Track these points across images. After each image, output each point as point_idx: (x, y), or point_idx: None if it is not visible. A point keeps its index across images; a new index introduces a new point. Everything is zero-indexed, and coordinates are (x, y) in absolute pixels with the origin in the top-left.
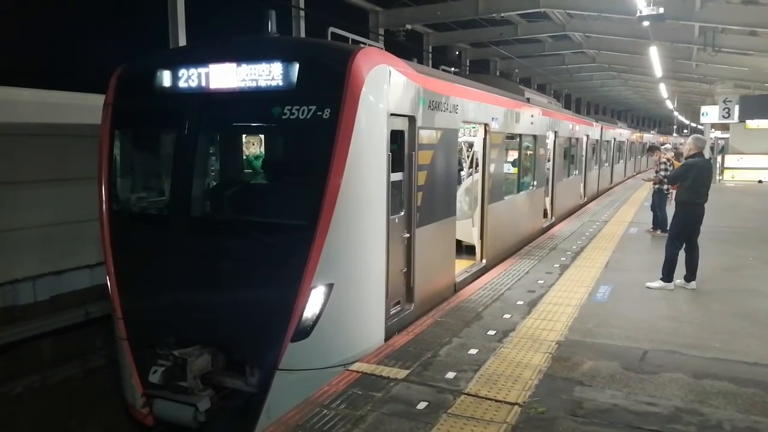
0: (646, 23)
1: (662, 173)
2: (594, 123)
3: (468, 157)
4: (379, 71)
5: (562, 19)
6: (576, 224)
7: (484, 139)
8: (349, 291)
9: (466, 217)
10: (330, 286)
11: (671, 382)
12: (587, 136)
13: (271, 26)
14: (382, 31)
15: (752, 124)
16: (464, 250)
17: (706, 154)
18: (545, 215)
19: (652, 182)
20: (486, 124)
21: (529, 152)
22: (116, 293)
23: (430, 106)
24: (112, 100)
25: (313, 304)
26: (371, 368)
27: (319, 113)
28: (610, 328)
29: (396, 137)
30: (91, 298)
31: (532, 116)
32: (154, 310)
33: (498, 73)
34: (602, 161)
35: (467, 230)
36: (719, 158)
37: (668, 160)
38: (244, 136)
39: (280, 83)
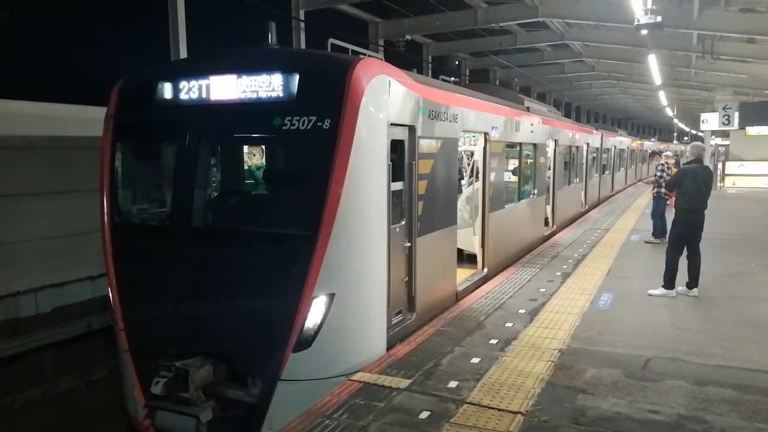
0: (644, 32)
1: (659, 173)
2: (594, 131)
3: (468, 165)
4: (378, 82)
5: (561, 29)
6: (577, 232)
7: (485, 148)
8: (351, 301)
9: (467, 225)
10: (331, 296)
11: (674, 390)
12: (587, 144)
13: (272, 38)
14: (381, 42)
15: (752, 130)
16: (465, 258)
17: (707, 161)
18: (546, 223)
19: (651, 184)
20: (486, 133)
21: (529, 161)
22: (118, 304)
23: (430, 116)
24: (114, 112)
25: (314, 315)
26: (373, 378)
27: (319, 124)
28: (613, 336)
29: (396, 147)
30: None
31: (532, 125)
32: (156, 321)
33: (498, 83)
34: (603, 169)
35: (468, 239)
36: (720, 165)
37: (665, 163)
38: (245, 147)
39: (281, 94)
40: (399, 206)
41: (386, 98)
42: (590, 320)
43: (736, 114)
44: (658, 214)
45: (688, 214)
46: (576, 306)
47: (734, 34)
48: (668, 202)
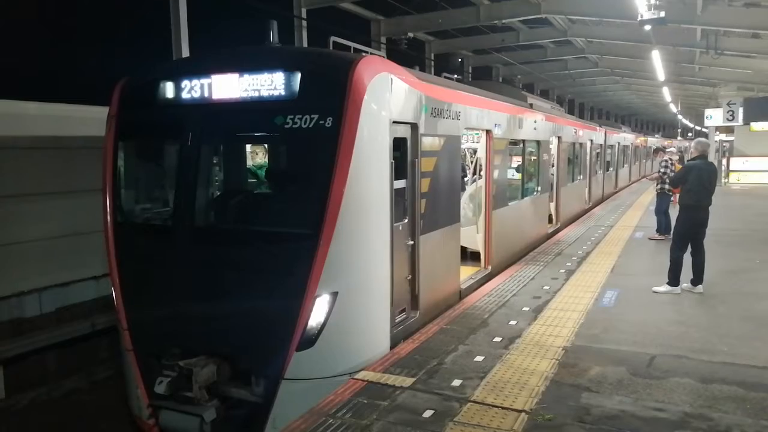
0: (647, 27)
1: (662, 169)
2: (598, 127)
3: (471, 163)
4: (380, 79)
5: (564, 25)
6: (581, 229)
7: (488, 146)
8: (354, 299)
9: (471, 223)
10: (334, 295)
11: (679, 387)
12: (591, 140)
13: (273, 36)
14: (384, 40)
15: (757, 126)
16: (469, 256)
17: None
18: (550, 220)
19: (655, 180)
20: (489, 131)
21: (532, 158)
22: (121, 304)
23: (432, 113)
24: (116, 112)
25: (317, 313)
26: (377, 377)
27: (321, 122)
28: (617, 334)
29: (399, 145)
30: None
31: (535, 122)
32: (160, 320)
33: (500, 80)
34: (607, 166)
35: (472, 237)
36: (724, 161)
37: (669, 159)
38: (247, 146)
39: (283, 93)
40: (402, 204)
41: (388, 96)
42: (594, 318)
43: (741, 110)
44: (662, 211)
45: (693, 211)
46: (580, 303)
47: (738, 29)
48: (672, 199)
